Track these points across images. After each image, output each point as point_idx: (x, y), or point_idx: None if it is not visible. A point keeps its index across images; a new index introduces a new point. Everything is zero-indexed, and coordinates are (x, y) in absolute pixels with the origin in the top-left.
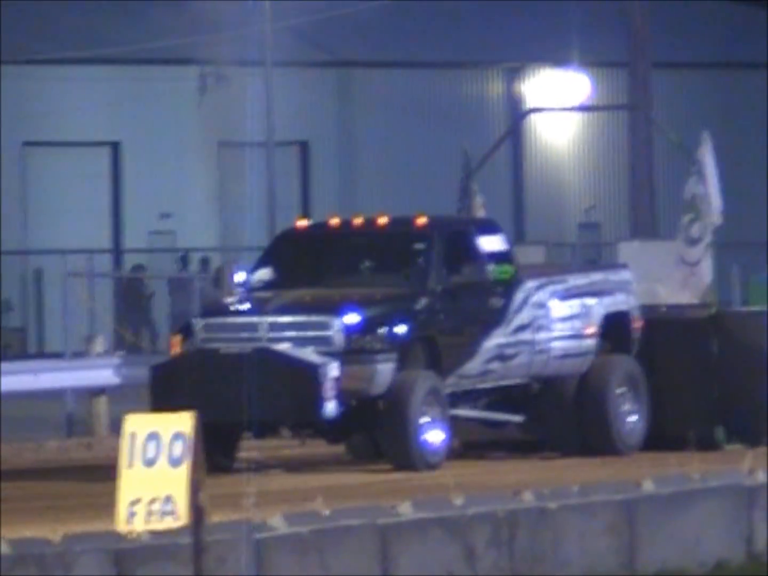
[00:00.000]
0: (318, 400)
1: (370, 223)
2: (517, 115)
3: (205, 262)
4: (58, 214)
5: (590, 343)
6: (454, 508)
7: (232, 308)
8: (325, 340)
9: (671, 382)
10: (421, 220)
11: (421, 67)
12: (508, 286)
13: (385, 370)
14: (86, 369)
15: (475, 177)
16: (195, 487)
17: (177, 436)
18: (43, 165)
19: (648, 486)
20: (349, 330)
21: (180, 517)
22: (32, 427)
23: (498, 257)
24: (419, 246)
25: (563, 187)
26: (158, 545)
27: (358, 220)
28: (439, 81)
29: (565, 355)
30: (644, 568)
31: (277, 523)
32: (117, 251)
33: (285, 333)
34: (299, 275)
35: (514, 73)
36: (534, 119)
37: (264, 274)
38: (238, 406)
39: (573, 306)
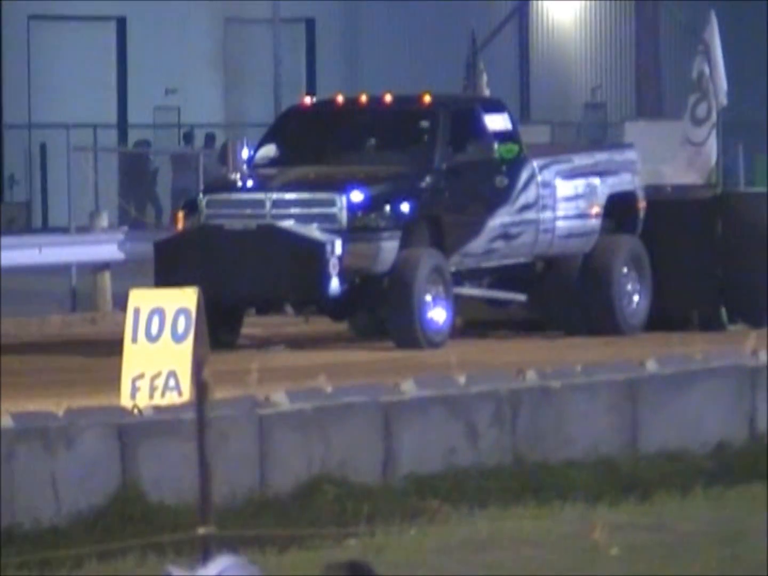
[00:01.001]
0: (322, 278)
1: (375, 100)
2: None
3: (210, 138)
4: (62, 88)
5: (594, 222)
6: (456, 387)
7: (236, 185)
8: (329, 218)
9: (675, 263)
10: (427, 98)
11: None
12: (513, 165)
13: (389, 247)
14: (90, 244)
15: (481, 56)
16: (198, 363)
17: (181, 311)
18: (48, 39)
19: (651, 366)
20: (353, 207)
21: (183, 392)
22: (36, 302)
23: (503, 136)
24: (424, 124)
25: (569, 66)
26: (161, 420)
27: (363, 98)
28: None
29: (570, 235)
30: (646, 447)
31: (280, 399)
32: (122, 126)
33: (289, 210)
34: (304, 153)
35: None
36: None
37: (269, 151)
38: (241, 283)
39: (578, 185)
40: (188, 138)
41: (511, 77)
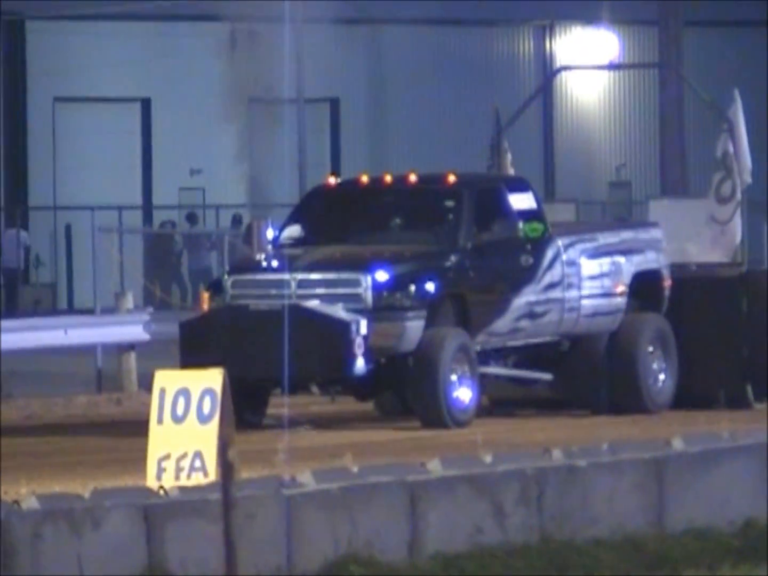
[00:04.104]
0: (347, 358)
1: (400, 180)
2: (547, 73)
3: (236, 219)
4: (87, 169)
5: (620, 301)
6: (483, 466)
7: (261, 265)
8: (354, 298)
9: (701, 341)
10: (451, 178)
11: (452, 25)
12: (538, 244)
13: (414, 327)
14: (116, 325)
15: (506, 135)
16: (224, 443)
17: (206, 392)
18: (73, 120)
19: (677, 444)
20: (378, 287)
21: (209, 472)
22: (62, 383)
23: (528, 215)
24: (449, 203)
25: (593, 145)
26: (187, 501)
27: (388, 178)
28: (470, 38)
29: (595, 313)
30: (673, 526)
31: (307, 479)
32: (146, 207)
33: (314, 290)
34: (329, 232)
35: (544, 31)
36: (564, 77)
37: (294, 231)
38: (267, 363)
39: (603, 264)
40: (191, 220)
41: (535, 156)
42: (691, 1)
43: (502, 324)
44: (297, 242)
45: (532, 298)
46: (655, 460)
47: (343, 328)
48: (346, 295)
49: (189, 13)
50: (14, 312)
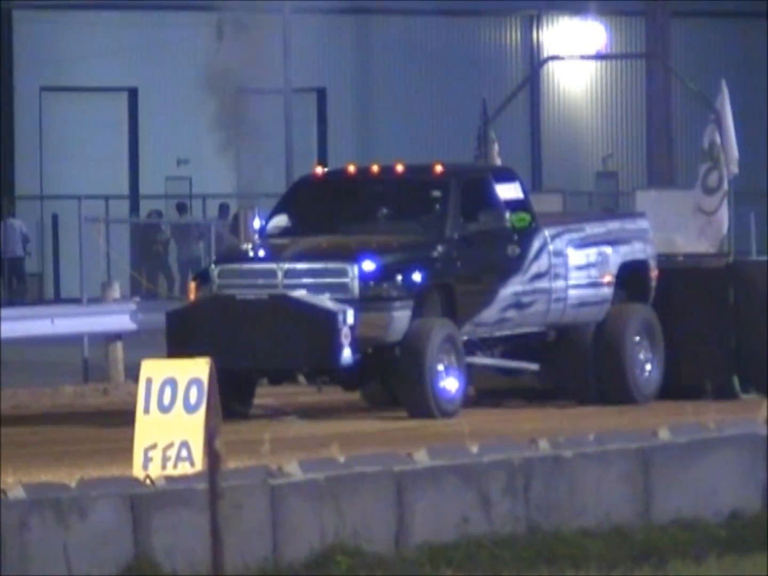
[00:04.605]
0: (334, 347)
1: (387, 170)
2: (534, 63)
3: (224, 208)
4: (74, 159)
5: (607, 291)
6: (469, 456)
7: (248, 255)
8: (341, 287)
9: (688, 332)
10: (438, 168)
11: (439, 15)
12: (525, 234)
13: (401, 317)
14: (103, 315)
15: (493, 125)
16: (211, 433)
17: (193, 382)
18: (60, 110)
19: (664, 435)
20: (365, 277)
21: (195, 462)
22: (49, 372)
23: (515, 205)
24: (436, 193)
25: (580, 135)
26: (174, 490)
27: (375, 168)
28: (457, 29)
29: (582, 304)
30: (659, 516)
31: (293, 469)
32: (133, 197)
33: (301, 280)
34: (316, 222)
35: (531, 21)
36: (552, 67)
37: (281, 220)
38: (254, 353)
39: (590, 254)
40: (181, 209)
41: (522, 146)
42: None
43: (488, 314)
44: (284, 232)
45: (519, 288)
46: (642, 451)
47: (329, 318)
48: (332, 285)
49: (175, 3)
50: (13, 301)
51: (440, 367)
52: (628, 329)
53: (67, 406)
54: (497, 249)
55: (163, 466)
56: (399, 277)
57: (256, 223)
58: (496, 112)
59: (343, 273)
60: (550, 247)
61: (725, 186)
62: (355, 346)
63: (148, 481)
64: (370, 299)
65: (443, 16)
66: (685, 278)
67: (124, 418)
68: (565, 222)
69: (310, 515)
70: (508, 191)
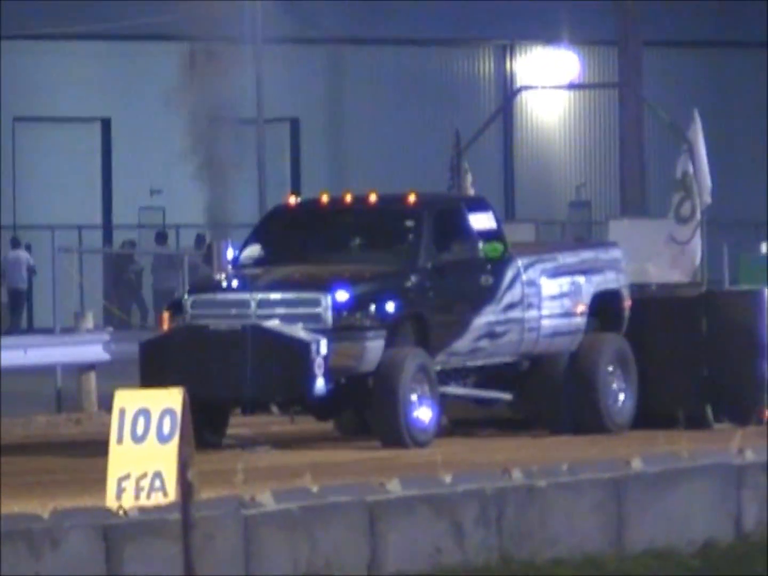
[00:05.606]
0: (307, 377)
1: (360, 200)
2: (507, 92)
3: (201, 239)
4: (48, 189)
5: (580, 321)
6: (442, 486)
7: (221, 285)
8: (314, 317)
9: (661, 361)
10: (411, 198)
11: (412, 44)
12: (498, 264)
13: (374, 347)
14: (76, 345)
15: (466, 155)
16: (184, 463)
17: (166, 412)
18: (33, 140)
19: (637, 464)
20: (338, 307)
21: (168, 493)
22: (21, 403)
23: (488, 235)
24: (409, 223)
25: (553, 165)
26: (147, 521)
27: (348, 197)
28: (430, 58)
29: (555, 333)
30: (632, 546)
31: (266, 499)
32: (107, 227)
33: (274, 310)
34: (289, 252)
35: (504, 51)
36: (524, 97)
37: (254, 250)
38: (227, 383)
39: (563, 284)
40: (161, 238)
41: (496, 176)
42: (650, 23)
43: (462, 344)
44: (257, 262)
45: (492, 318)
46: (615, 480)
47: (303, 348)
48: (306, 315)
49: (147, 33)
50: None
51: (413, 397)
52: (602, 359)
53: (40, 436)
54: (470, 279)
55: (137, 497)
56: (372, 307)
57: (230, 253)
58: (469, 142)
59: (316, 303)
60: (524, 277)
61: (698, 216)
62: (328, 376)
63: (121, 512)
64: (343, 329)
65: (416, 45)
66: (659, 308)
67: (97, 448)
68: (538, 251)
69: (283, 545)
70: (481, 221)
